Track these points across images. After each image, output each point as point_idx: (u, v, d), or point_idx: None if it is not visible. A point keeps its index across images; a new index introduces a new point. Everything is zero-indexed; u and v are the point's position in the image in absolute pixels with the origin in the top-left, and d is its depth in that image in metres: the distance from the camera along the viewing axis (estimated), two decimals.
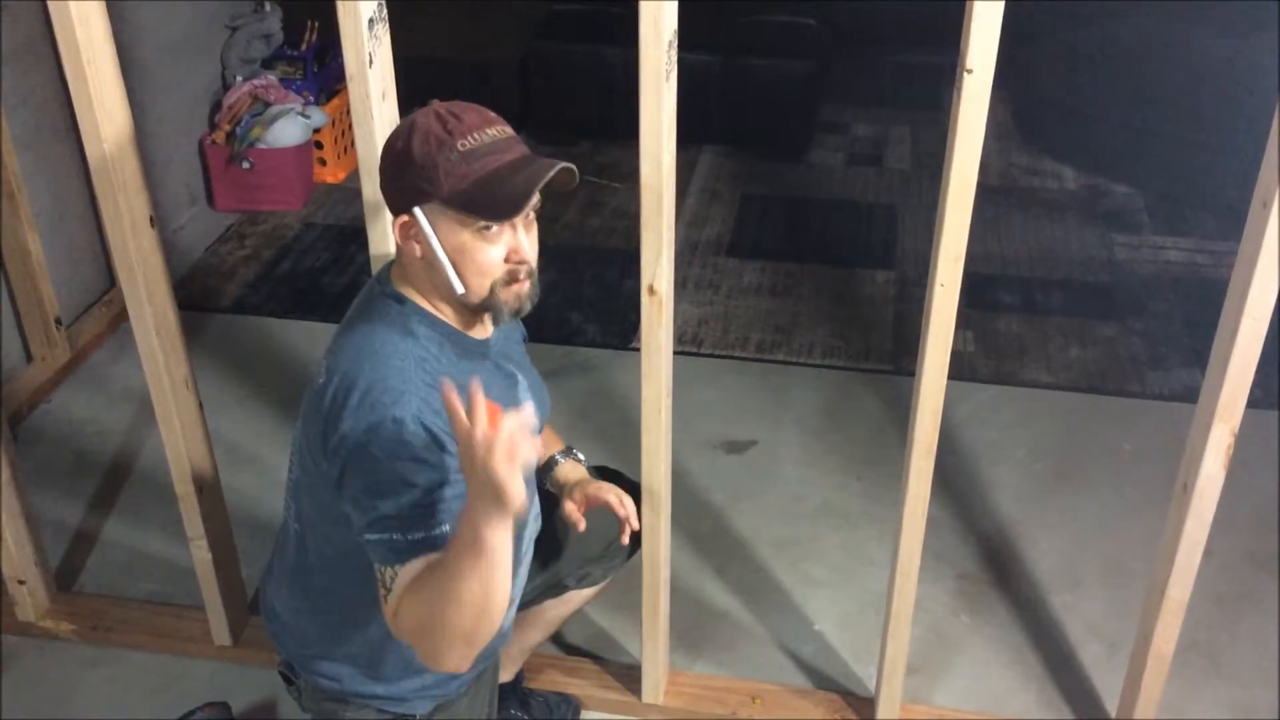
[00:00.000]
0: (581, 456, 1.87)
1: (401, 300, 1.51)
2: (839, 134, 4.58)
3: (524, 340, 1.77)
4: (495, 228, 1.44)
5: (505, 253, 1.46)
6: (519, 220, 1.46)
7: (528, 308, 1.52)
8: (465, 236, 1.44)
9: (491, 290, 1.48)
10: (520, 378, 1.64)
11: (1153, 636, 1.99)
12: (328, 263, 3.72)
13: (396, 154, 1.45)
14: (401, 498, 1.39)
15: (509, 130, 1.48)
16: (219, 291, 3.58)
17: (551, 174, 1.43)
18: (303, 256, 3.76)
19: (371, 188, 1.69)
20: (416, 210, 1.44)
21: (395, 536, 1.39)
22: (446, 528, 1.40)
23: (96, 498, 2.77)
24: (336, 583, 1.52)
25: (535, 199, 1.45)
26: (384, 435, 1.39)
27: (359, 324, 1.51)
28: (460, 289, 1.47)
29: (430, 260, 1.47)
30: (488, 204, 1.42)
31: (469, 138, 1.42)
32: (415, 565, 1.38)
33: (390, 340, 1.47)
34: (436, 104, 1.47)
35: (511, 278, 1.48)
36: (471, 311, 1.53)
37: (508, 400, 1.57)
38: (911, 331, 3.31)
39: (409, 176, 1.43)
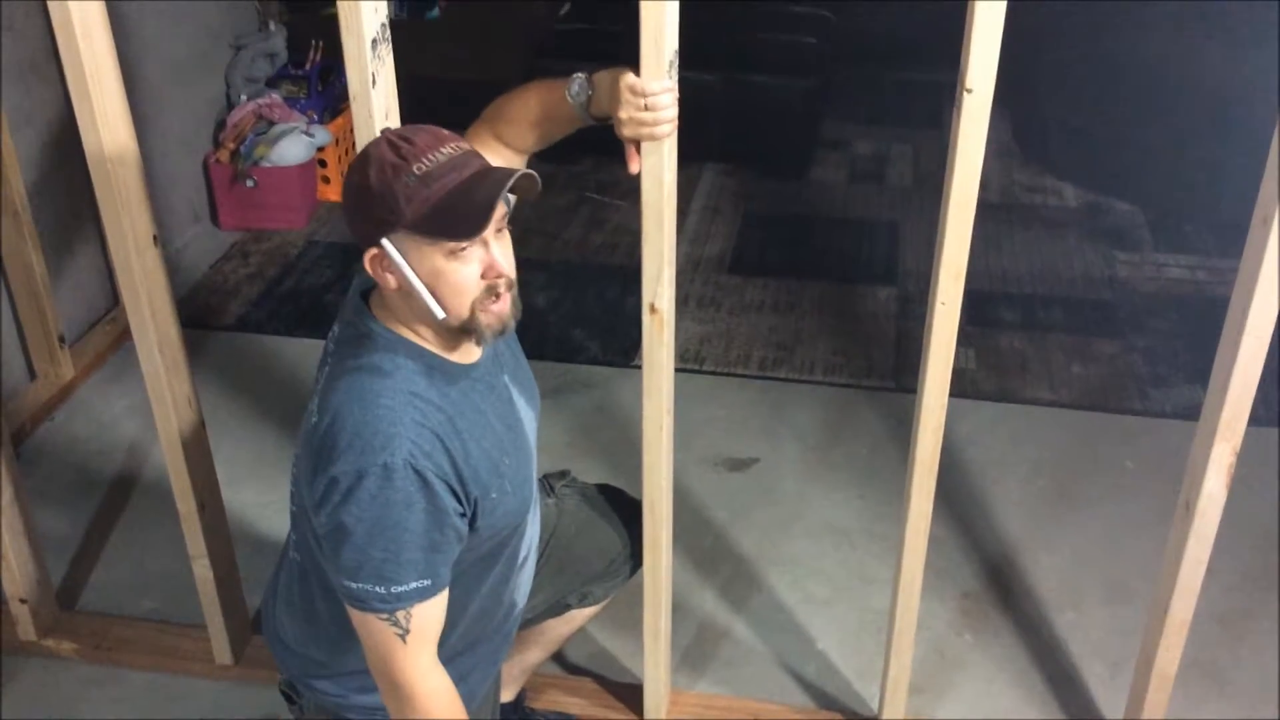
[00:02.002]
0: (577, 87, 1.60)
1: (384, 332, 1.48)
2: (840, 151, 4.59)
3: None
4: (467, 247, 1.40)
5: (481, 270, 1.43)
6: (488, 234, 1.42)
7: (511, 326, 1.49)
8: (438, 260, 1.41)
9: (471, 311, 1.44)
10: (514, 392, 1.63)
11: (1155, 655, 1.99)
12: (331, 280, 3.72)
13: (355, 188, 1.42)
14: (392, 544, 1.40)
15: (465, 145, 1.45)
16: (222, 309, 3.59)
17: (510, 183, 1.39)
18: (306, 274, 3.77)
19: None
20: (384, 242, 1.41)
21: (383, 589, 1.41)
22: (446, 571, 1.44)
23: (99, 516, 2.77)
24: (338, 609, 1.51)
25: (501, 210, 1.41)
26: (373, 482, 1.39)
27: (346, 360, 1.48)
28: (440, 314, 1.43)
29: (406, 289, 1.44)
30: (452, 224, 1.39)
31: (423, 160, 1.38)
32: (428, 609, 1.44)
33: (377, 377, 1.44)
34: (387, 131, 1.44)
35: (490, 293, 1.44)
36: (453, 335, 1.49)
37: (504, 420, 1.56)
38: (913, 348, 3.31)
39: (371, 209, 1.41)
